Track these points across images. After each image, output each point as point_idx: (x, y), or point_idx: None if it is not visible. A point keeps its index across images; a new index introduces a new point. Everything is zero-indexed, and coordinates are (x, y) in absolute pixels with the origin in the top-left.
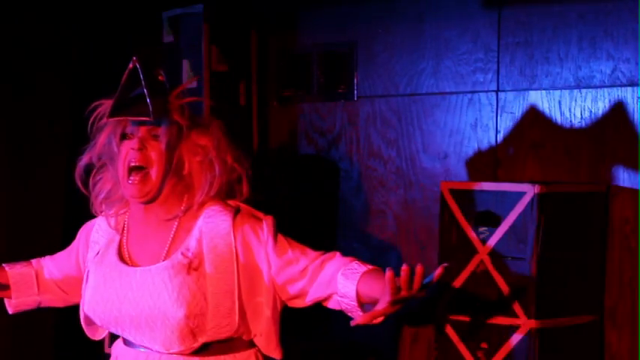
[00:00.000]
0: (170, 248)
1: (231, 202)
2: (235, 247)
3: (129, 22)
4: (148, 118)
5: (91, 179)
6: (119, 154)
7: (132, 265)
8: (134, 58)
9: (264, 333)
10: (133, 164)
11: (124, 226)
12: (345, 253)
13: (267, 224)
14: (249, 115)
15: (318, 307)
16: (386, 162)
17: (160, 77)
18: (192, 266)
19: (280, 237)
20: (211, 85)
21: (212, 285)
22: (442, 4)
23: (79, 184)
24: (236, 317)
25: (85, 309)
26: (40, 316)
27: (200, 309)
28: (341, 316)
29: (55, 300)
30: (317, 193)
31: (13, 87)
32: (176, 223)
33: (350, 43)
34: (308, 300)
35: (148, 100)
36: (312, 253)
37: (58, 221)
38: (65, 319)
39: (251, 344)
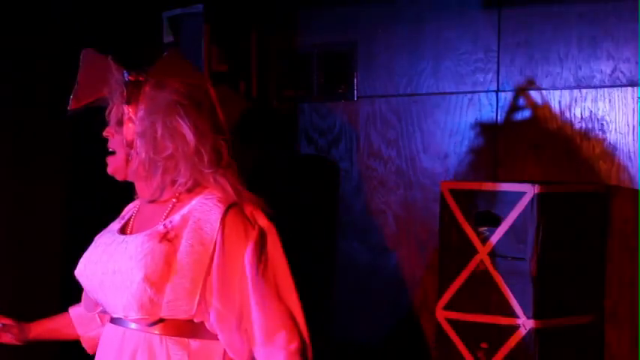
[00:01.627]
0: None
1: (236, 191)
2: (216, 240)
3: (129, 22)
4: (69, 108)
5: None
6: None
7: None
8: (82, 50)
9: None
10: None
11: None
12: (345, 253)
13: (254, 242)
14: (249, 115)
15: (319, 307)
16: (386, 162)
17: (103, 62)
18: (167, 237)
19: (259, 266)
20: (211, 85)
21: (181, 259)
22: (442, 4)
23: None
24: (195, 301)
25: (75, 271)
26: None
27: (160, 277)
28: (341, 316)
29: None
30: (317, 193)
31: (13, 88)
32: (171, 205)
33: (350, 43)
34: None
35: (75, 90)
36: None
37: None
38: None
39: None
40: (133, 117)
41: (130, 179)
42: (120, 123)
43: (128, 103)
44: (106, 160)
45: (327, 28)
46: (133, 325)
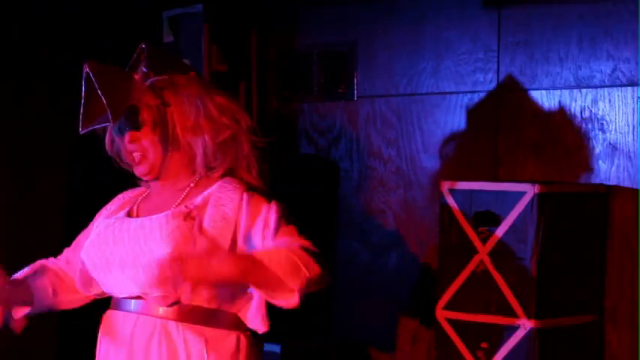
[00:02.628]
0: (177, 206)
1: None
2: (239, 215)
3: (129, 21)
4: (109, 123)
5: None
6: (122, 144)
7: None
8: (84, 63)
9: (249, 305)
10: (134, 154)
11: (142, 194)
12: (345, 253)
13: (274, 208)
14: (249, 115)
15: (319, 307)
16: (386, 162)
17: (116, 72)
18: (191, 215)
19: (283, 226)
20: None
21: (206, 236)
22: (442, 4)
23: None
24: None
25: (81, 252)
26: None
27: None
28: (341, 316)
29: (69, 301)
30: (317, 192)
31: (13, 88)
32: (187, 190)
33: (350, 43)
34: None
35: (105, 104)
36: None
37: (58, 217)
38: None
39: (235, 325)
40: (169, 114)
41: (155, 177)
42: (156, 124)
43: (165, 104)
44: (135, 171)
45: (327, 28)
46: (144, 307)
